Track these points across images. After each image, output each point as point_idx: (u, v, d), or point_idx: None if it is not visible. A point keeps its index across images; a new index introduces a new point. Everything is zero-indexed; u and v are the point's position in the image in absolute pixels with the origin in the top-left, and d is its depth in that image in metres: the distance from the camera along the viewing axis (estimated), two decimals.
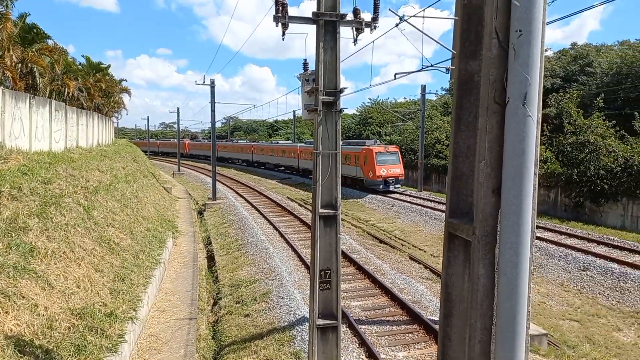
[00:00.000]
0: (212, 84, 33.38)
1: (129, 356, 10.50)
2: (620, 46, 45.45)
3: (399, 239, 23.30)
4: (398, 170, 36.37)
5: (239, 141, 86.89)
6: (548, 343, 11.20)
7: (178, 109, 61.56)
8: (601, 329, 12.65)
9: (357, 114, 71.89)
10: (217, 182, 35.59)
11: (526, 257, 2.23)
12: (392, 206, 31.32)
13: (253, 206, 31.24)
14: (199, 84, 33.75)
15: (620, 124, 31.82)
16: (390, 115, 59.24)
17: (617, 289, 15.00)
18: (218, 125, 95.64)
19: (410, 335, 11.69)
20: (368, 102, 70.89)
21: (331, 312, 7.82)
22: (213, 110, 33.68)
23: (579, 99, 34.14)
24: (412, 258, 19.13)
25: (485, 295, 2.34)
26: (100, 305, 10.86)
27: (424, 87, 37.55)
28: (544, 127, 34.25)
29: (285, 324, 12.40)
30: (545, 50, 53.98)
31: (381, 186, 35.81)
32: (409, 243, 22.20)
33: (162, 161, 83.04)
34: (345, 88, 6.73)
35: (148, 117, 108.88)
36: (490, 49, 2.10)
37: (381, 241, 22.19)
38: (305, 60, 8.14)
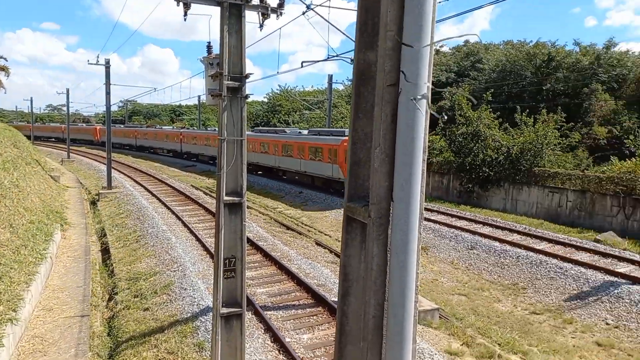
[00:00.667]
0: (107, 64, 30.89)
1: None
2: (505, 45, 50.27)
3: (305, 225, 23.73)
4: None
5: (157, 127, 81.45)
6: (440, 316, 12.21)
7: (68, 90, 55.98)
8: (484, 301, 14.07)
9: (266, 100, 71.39)
10: (113, 170, 33.23)
11: (415, 237, 2.41)
12: (300, 193, 31.74)
13: (154, 195, 29.72)
14: (92, 64, 31.01)
15: (504, 117, 35.44)
16: (299, 103, 59.70)
17: (498, 265, 16.78)
18: (114, 109, 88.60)
19: (315, 317, 12.03)
20: (277, 90, 70.65)
21: (236, 300, 7.77)
22: (108, 93, 31.20)
23: (469, 93, 37.41)
24: (318, 243, 19.61)
25: (378, 274, 2.49)
26: None
27: (330, 77, 38.34)
28: (439, 118, 36.84)
29: (189, 315, 12.09)
30: (441, 46, 57.60)
31: None
32: (315, 229, 22.72)
33: (51, 147, 75.36)
34: (251, 74, 6.64)
35: (31, 98, 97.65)
36: (385, 41, 2.21)
37: (288, 228, 22.43)
38: (209, 43, 7.87)
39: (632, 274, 14.24)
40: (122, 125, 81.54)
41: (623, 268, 14.96)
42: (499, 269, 16.52)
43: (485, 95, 34.31)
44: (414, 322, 2.44)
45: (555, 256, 16.36)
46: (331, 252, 18.39)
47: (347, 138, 34.55)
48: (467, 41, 53.26)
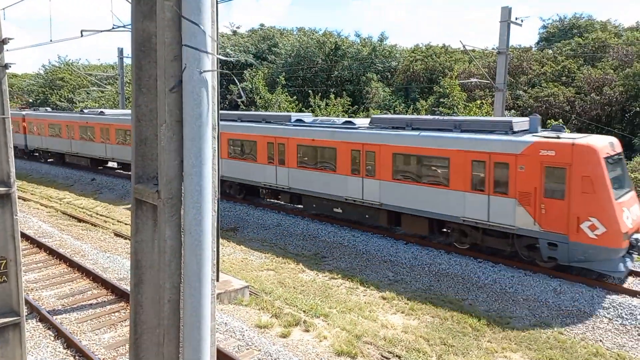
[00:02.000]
0: None
1: None
2: (299, 32, 53.48)
3: (101, 215, 21.45)
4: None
5: None
6: (250, 293, 12.58)
7: None
8: (290, 273, 15.02)
9: (43, 74, 61.06)
10: None
11: (209, 215, 2.39)
12: (93, 180, 28.46)
13: None
14: None
15: (301, 100, 38.01)
16: (85, 79, 52.84)
17: (302, 238, 18.07)
18: None
19: (117, 314, 11.11)
20: (56, 62, 60.99)
21: (11, 308, 6.57)
22: None
23: (268, 76, 38.96)
24: (117, 234, 17.98)
25: (172, 256, 2.41)
26: None
27: (121, 50, 34.80)
28: (240, 101, 37.58)
29: None
30: (238, 27, 57.93)
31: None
32: (113, 219, 20.73)
33: None
34: (10, 39, 5.49)
35: None
36: (163, 12, 2.08)
37: (80, 220, 19.95)
38: None
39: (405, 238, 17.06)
40: None
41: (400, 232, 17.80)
42: (302, 242, 17.82)
43: (279, 78, 36.19)
44: (212, 299, 2.44)
45: (347, 226, 18.46)
46: None
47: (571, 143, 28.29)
48: (262, 24, 54.99)
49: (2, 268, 6.12)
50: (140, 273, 2.65)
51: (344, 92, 38.03)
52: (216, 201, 2.50)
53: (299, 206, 20.39)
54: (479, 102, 30.28)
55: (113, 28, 14.07)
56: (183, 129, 2.22)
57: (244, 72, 42.04)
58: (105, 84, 49.07)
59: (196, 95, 2.13)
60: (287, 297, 12.72)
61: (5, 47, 5.31)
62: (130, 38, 2.47)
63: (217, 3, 2.13)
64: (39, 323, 10.41)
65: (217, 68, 2.31)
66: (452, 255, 15.12)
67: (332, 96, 35.94)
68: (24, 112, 37.52)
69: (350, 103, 36.56)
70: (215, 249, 2.53)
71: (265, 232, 19.17)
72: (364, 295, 13.16)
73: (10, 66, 5.55)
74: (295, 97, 38.39)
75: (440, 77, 35.57)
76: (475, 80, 28.01)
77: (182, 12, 2.04)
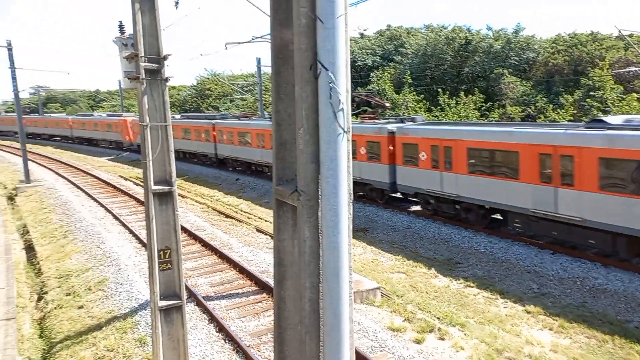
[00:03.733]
0: (10, 46, 27.83)
1: None
2: (426, 30, 51.87)
3: (245, 212, 23.42)
4: None
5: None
6: (381, 295, 12.57)
7: None
8: (422, 277, 14.65)
9: (195, 85, 68.84)
10: (30, 163, 30.81)
11: (345, 217, 2.41)
12: (237, 180, 31.23)
13: (79, 187, 27.98)
14: None
15: (429, 100, 36.88)
16: (228, 88, 58.20)
17: (433, 242, 17.51)
18: (25, 95, 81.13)
19: (259, 304, 11.98)
20: (205, 73, 68.28)
21: (174, 292, 7.53)
22: (14, 78, 28.48)
23: (395, 76, 38.53)
24: (258, 230, 19.44)
25: (311, 256, 2.48)
26: None
27: (259, 60, 37.47)
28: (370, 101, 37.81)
29: (127, 310, 11.62)
30: (365, 29, 58.36)
31: None
32: (255, 216, 22.49)
33: None
34: (169, 55, 6.29)
35: None
36: (299, 18, 2.15)
37: (227, 216, 22.04)
38: (121, 22, 7.34)
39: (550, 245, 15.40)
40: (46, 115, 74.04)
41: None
42: (434, 246, 17.24)
43: (405, 78, 35.44)
44: (350, 301, 2.46)
45: (483, 231, 17.34)
46: (272, 237, 18.29)
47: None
48: (389, 25, 54.45)
49: (167, 257, 7.04)
50: (282, 270, 2.79)
51: (476, 89, 35.83)
52: (351, 203, 2.51)
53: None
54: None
55: (253, 39, 15.23)
56: (319, 133, 2.27)
57: (371, 74, 42.22)
58: (246, 92, 53.45)
59: (331, 98, 2.16)
60: (420, 301, 12.41)
61: (166, 62, 6.07)
62: (270, 46, 2.60)
63: (346, 4, 2.14)
64: (195, 307, 11.73)
65: (349, 71, 2.31)
66: (610, 269, 13.22)
67: (462, 94, 34.20)
68: (213, 121, 35.09)
69: (483, 100, 34.35)
70: (351, 251, 2.55)
71: (395, 234, 18.97)
72: (505, 307, 12.21)
73: (169, 79, 6.33)
74: (422, 96, 37.39)
75: (589, 68, 31.38)
76: (635, 69, 24.13)
77: (316, 17, 2.09)
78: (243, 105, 53.66)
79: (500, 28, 43.32)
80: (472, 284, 13.70)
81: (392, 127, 20.47)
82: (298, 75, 2.25)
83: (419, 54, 43.46)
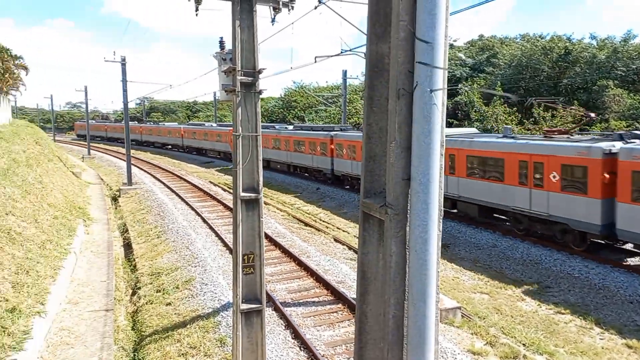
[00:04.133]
0: (124, 62, 31.24)
1: (37, 353, 9.75)
2: (522, 40, 49.29)
3: (324, 221, 23.70)
4: None
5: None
6: (462, 315, 12.02)
7: (86, 87, 56.86)
8: (507, 300, 13.81)
9: (283, 97, 71.41)
10: (132, 167, 33.73)
11: (435, 234, 2.34)
12: (317, 189, 31.72)
13: (173, 191, 30.09)
14: (108, 61, 31.42)
15: (523, 112, 34.89)
16: (314, 99, 59.58)
17: (521, 263, 16.45)
18: (132, 105, 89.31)
19: (335, 314, 12.00)
20: (292, 85, 70.65)
21: (255, 297, 7.78)
22: (125, 90, 31.62)
23: (486, 88, 37.00)
24: (336, 240, 19.56)
25: (397, 272, 2.43)
26: (0, 301, 9.94)
27: (345, 72, 38.02)
28: (457, 113, 36.68)
29: (210, 310, 12.20)
30: (455, 40, 56.85)
31: None
32: (333, 225, 22.67)
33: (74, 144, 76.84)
34: (264, 69, 6.61)
35: (52, 95, 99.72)
36: (398, 32, 2.14)
37: (307, 224, 22.43)
38: (222, 38, 7.86)
39: None
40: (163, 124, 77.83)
41: None
42: (522, 267, 16.20)
43: (496, 89, 33.79)
44: (435, 322, 2.37)
45: (578, 255, 15.97)
46: (349, 248, 18.32)
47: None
48: (481, 35, 52.42)
49: (250, 261, 7.32)
50: (365, 284, 2.77)
51: (575, 102, 33.30)
52: (441, 220, 2.43)
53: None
54: None
55: (341, 52, 15.47)
56: (412, 146, 2.23)
57: (459, 85, 40.94)
58: (330, 103, 54.31)
59: (427, 112, 2.12)
60: (504, 325, 11.69)
61: (260, 76, 6.36)
62: (365, 60, 2.62)
63: (447, 18, 2.09)
64: (273, 312, 12.03)
65: (446, 84, 2.26)
66: None
67: (559, 107, 31.93)
68: (332, 132, 31.77)
69: (583, 114, 31.82)
70: (439, 269, 2.46)
71: (479, 252, 18.09)
72: (601, 339, 11.12)
73: (263, 92, 6.62)
74: (515, 108, 35.49)
75: None
76: None
77: (415, 31, 2.06)
78: (327, 116, 54.60)
79: (606, 36, 39.91)
80: (563, 311, 12.65)
81: (609, 145, 15.03)
82: (392, 88, 2.23)
83: (513, 64, 41.43)
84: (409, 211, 2.34)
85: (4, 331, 8.93)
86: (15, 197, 16.44)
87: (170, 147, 65.97)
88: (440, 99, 2.11)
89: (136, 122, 76.51)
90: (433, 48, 2.06)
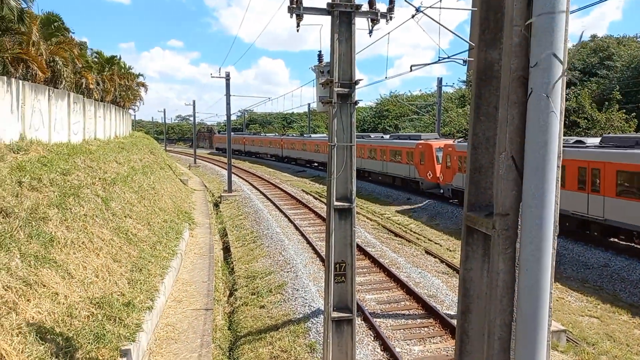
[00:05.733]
0: (228, 77, 33.52)
1: (146, 345, 10.67)
2: None
3: (414, 232, 23.15)
4: None
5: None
6: (567, 339, 11.02)
7: (194, 102, 61.97)
8: (622, 326, 12.40)
9: (373, 106, 71.47)
10: (233, 175, 35.80)
11: (548, 252, 2.16)
12: (408, 199, 31.12)
13: (268, 198, 31.37)
14: (214, 77, 33.97)
15: None
16: (406, 108, 58.73)
17: (639, 286, 14.68)
18: (233, 118, 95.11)
19: (425, 329, 11.62)
20: (385, 95, 70.39)
21: (346, 305, 7.80)
22: (228, 103, 33.86)
23: (597, 93, 33.64)
24: (427, 252, 18.99)
25: (505, 291, 2.28)
26: (119, 295, 11.04)
27: (440, 80, 37.11)
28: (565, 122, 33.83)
29: (300, 315, 12.45)
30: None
31: None
32: (424, 237, 22.05)
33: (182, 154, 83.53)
34: (360, 80, 6.66)
35: (164, 109, 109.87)
36: (511, 37, 2.02)
37: (396, 235, 22.08)
38: (320, 52, 8.07)
39: None
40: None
41: None
42: None
43: (613, 93, 30.53)
44: (547, 347, 2.18)
45: None
46: (442, 261, 17.67)
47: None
48: (594, 35, 47.79)
49: (342, 270, 7.36)
50: (468, 302, 2.64)
51: None
52: (556, 238, 2.24)
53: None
54: None
55: (439, 60, 15.12)
56: (524, 158, 2.09)
57: (567, 91, 37.75)
58: (425, 112, 53.11)
59: (542, 121, 1.97)
60: (618, 354, 10.52)
61: (357, 86, 6.42)
62: (473, 68, 2.52)
63: (567, 20, 1.91)
64: (362, 322, 11.96)
65: (564, 91, 2.08)
66: None
67: None
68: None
69: None
70: (552, 291, 2.27)
71: (588, 271, 16.47)
72: None
73: (358, 102, 6.67)
74: (634, 114, 31.82)
75: None
76: None
77: (531, 35, 1.94)
78: (420, 125, 53.52)
79: None
80: None
81: None
82: (504, 96, 2.12)
83: (632, 66, 37.32)
84: (519, 226, 2.19)
85: (120, 322, 9.90)
86: (132, 201, 18.25)
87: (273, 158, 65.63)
88: (558, 107, 1.95)
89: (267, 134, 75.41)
90: (551, 53, 1.91)
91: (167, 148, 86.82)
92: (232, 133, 75.61)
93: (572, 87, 38.34)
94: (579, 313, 13.33)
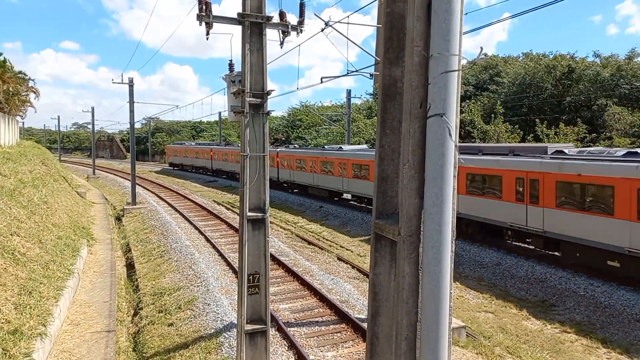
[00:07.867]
0: (131, 83, 31.72)
1: None
2: (525, 58, 49.81)
3: (327, 240, 23.60)
4: None
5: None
6: (467, 334, 11.88)
7: (92, 108, 57.44)
8: (512, 318, 13.66)
9: (286, 116, 71.94)
10: (137, 186, 33.83)
11: (447, 255, 2.34)
12: (320, 207, 31.68)
13: (177, 210, 30.08)
14: (116, 82, 31.92)
15: (526, 130, 35.14)
16: (318, 118, 59.95)
17: (526, 282, 16.31)
18: (138, 126, 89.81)
19: (338, 334, 11.86)
20: (296, 105, 71.23)
21: (260, 317, 7.72)
22: (132, 111, 31.99)
23: (488, 106, 37.28)
24: (339, 258, 19.45)
25: (410, 293, 2.42)
26: (3, 323, 9.86)
27: (349, 92, 38.39)
28: (460, 132, 36.97)
29: (212, 331, 12.07)
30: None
31: None
32: (336, 244, 22.57)
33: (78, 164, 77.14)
34: (272, 90, 6.70)
35: (59, 116, 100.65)
36: (412, 57, 2.19)
37: (310, 243, 22.34)
38: (231, 61, 7.99)
39: None
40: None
41: None
42: (527, 285, 16.06)
43: (496, 108, 34.08)
44: (448, 344, 2.36)
45: (584, 273, 15.84)
46: (353, 267, 18.20)
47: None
48: (485, 54, 52.93)
49: (255, 281, 7.28)
50: (377, 305, 2.76)
51: (579, 119, 33.54)
52: (454, 241, 2.44)
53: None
54: None
55: (347, 73, 15.68)
56: (425, 168, 2.25)
57: (462, 104, 41.24)
58: (334, 121, 54.61)
59: (440, 135, 2.15)
60: (509, 345, 11.54)
61: (269, 96, 6.44)
62: (371, 82, 2.67)
63: (460, 43, 2.13)
64: (276, 332, 11.89)
65: (459, 107, 2.29)
66: None
67: (561, 124, 32.23)
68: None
69: (586, 131, 32.11)
70: (452, 291, 2.46)
71: (483, 270, 17.97)
72: (608, 358, 10.97)
73: (270, 113, 6.69)
74: (517, 126, 35.69)
75: None
76: None
77: (429, 54, 2.11)
78: (328, 134, 54.87)
79: (609, 54, 40.22)
80: (569, 330, 12.51)
81: None
82: (406, 111, 2.27)
83: (516, 82, 41.80)
84: (421, 232, 2.35)
85: (5, 354, 8.85)
86: (20, 217, 16.45)
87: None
88: (453, 122, 2.14)
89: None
90: (446, 72, 2.10)
91: (62, 158, 79.77)
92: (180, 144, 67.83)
93: (467, 101, 41.95)
94: (477, 309, 14.46)
